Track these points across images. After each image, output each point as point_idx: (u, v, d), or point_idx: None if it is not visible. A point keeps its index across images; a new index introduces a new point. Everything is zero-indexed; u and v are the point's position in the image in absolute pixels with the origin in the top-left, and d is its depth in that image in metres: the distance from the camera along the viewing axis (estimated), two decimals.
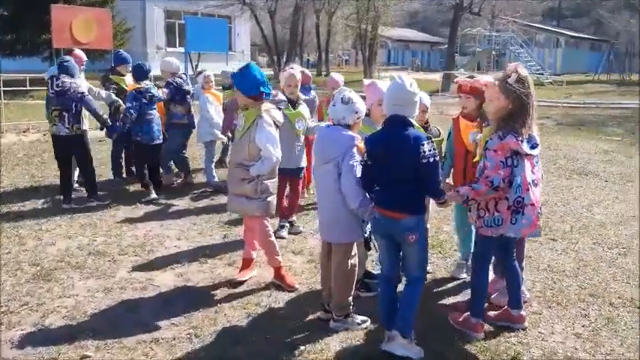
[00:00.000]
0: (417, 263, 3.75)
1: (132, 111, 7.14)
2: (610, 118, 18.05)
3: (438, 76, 33.88)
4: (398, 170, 3.58)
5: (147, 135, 7.34)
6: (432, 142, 3.53)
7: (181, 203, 7.41)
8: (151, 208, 7.16)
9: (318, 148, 3.97)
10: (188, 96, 7.93)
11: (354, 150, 3.85)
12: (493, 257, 4.54)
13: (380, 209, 3.70)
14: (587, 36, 52.86)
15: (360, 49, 37.99)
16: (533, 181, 3.92)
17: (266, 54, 54.76)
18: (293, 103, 5.93)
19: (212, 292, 4.74)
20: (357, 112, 3.95)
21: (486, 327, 4.15)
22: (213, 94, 8.16)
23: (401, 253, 3.83)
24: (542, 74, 32.79)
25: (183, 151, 8.24)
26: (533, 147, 3.85)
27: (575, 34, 50.86)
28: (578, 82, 33.97)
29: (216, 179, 8.13)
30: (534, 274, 5.16)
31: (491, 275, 4.90)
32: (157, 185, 7.67)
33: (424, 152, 3.48)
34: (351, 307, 4.12)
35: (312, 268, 5.31)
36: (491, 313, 4.31)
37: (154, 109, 7.41)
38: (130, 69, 7.98)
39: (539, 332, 4.15)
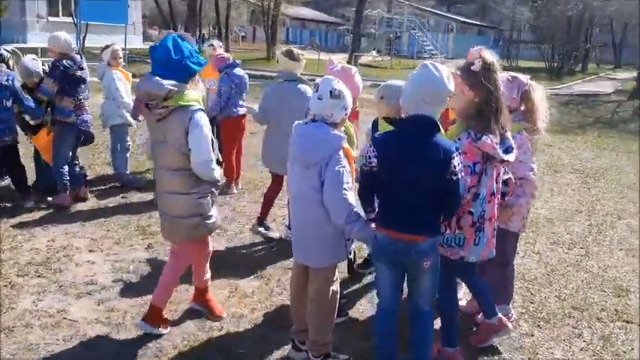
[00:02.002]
0: (429, 293, 3.08)
1: None
2: None
3: (340, 57, 33.65)
4: (419, 185, 2.84)
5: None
6: (460, 153, 2.84)
7: (85, 204, 6.22)
8: (50, 209, 5.94)
9: (298, 149, 3.14)
10: (83, 85, 6.01)
11: (341, 153, 3.09)
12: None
13: (390, 231, 2.95)
14: (475, 22, 55.02)
15: (261, 25, 36.76)
16: (494, 191, 3.34)
17: (157, 27, 51.87)
18: None
19: None
20: (346, 109, 3.18)
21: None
22: (121, 71, 6.95)
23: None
24: (440, 59, 33.45)
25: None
26: (507, 151, 3.23)
27: (466, 20, 52.71)
28: None
29: (128, 172, 7.00)
30: None
31: (467, 295, 4.35)
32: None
33: (454, 167, 2.80)
34: (331, 344, 3.38)
35: (263, 285, 4.49)
36: (474, 338, 3.77)
37: (4, 98, 5.63)
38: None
39: None
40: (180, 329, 3.78)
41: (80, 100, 5.96)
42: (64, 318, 3.84)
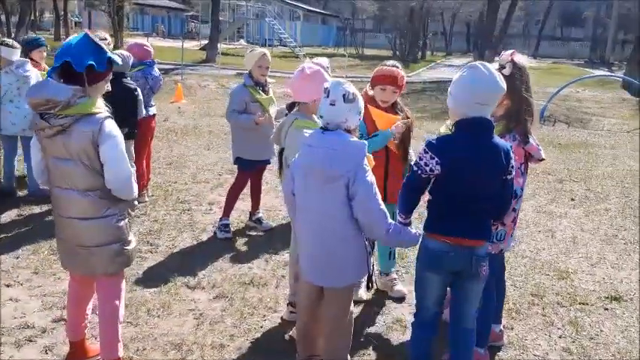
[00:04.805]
0: (477, 303, 3.00)
1: None
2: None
3: (191, 45, 32.49)
4: (485, 188, 2.77)
5: None
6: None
7: None
8: None
9: (316, 161, 2.81)
10: None
11: (366, 161, 2.84)
12: None
13: (450, 238, 2.80)
14: (319, 10, 56.32)
15: (98, 10, 34.22)
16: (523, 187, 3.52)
17: None
18: (263, 86, 5.21)
19: None
20: (360, 113, 2.92)
21: None
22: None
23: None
24: (296, 47, 33.72)
25: None
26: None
27: (310, 8, 53.69)
28: (323, 54, 35.75)
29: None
30: None
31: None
32: None
33: (512, 167, 2.80)
34: None
35: (228, 307, 4.07)
36: None
37: None
38: None
39: (534, 355, 3.71)
40: None
41: None
42: None
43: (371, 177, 2.80)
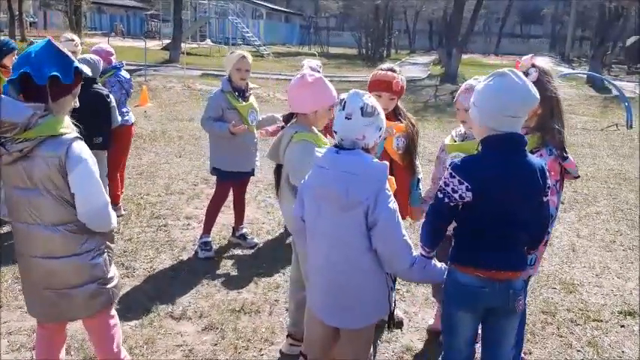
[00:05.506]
0: (515, 341, 2.65)
1: None
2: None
3: (152, 44, 31.65)
4: (518, 212, 2.42)
5: None
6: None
7: None
8: None
9: (332, 185, 2.42)
10: None
11: (387, 185, 2.47)
12: None
13: (482, 271, 2.44)
14: (283, 9, 55.79)
15: (54, 10, 33.01)
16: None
17: None
18: (243, 92, 4.75)
19: None
20: (380, 129, 2.54)
21: None
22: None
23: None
24: (260, 46, 33.21)
25: None
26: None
27: (273, 6, 53.11)
28: (289, 54, 35.37)
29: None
30: None
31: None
32: None
33: (548, 187, 2.46)
34: None
35: (219, 340, 3.66)
36: None
37: None
38: None
39: None
40: None
41: None
42: None
43: (393, 203, 2.43)
